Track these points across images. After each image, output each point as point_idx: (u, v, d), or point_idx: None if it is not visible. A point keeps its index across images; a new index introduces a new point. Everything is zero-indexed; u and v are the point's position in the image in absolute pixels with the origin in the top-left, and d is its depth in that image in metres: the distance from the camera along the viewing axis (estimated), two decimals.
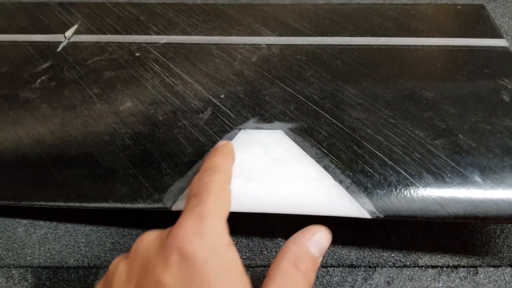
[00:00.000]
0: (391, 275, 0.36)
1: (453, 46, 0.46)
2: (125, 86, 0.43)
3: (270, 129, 0.39)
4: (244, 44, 0.47)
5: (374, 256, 0.37)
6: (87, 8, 0.54)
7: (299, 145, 0.37)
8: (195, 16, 0.52)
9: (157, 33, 0.50)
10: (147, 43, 0.48)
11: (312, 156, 0.36)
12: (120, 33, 0.50)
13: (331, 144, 0.37)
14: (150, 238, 0.28)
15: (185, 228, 0.26)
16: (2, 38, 0.50)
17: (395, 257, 0.37)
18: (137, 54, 0.47)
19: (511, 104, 0.40)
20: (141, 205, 0.35)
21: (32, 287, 0.36)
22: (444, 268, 0.37)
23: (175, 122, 0.40)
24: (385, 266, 0.37)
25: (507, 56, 0.45)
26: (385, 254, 0.37)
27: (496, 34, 0.48)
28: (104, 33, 0.50)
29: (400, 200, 0.34)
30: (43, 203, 0.36)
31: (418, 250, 0.38)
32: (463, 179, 0.34)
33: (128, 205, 0.35)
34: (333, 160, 0.36)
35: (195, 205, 0.27)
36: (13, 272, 0.37)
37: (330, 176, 0.35)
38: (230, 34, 0.49)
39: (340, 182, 0.35)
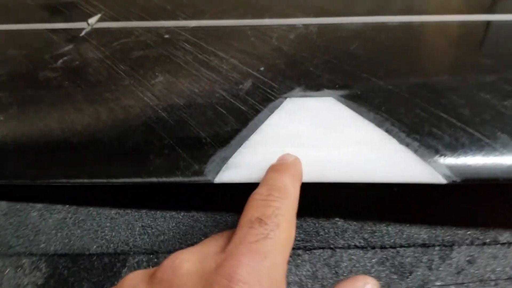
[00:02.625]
0: (471, 254, 0.31)
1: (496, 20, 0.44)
2: (155, 63, 0.40)
3: (319, 96, 0.35)
4: (279, 25, 0.45)
5: (448, 234, 0.32)
6: (110, 1, 0.52)
7: (355, 110, 0.33)
8: (223, 4, 0.50)
9: (185, 19, 0.47)
10: (176, 27, 0.46)
11: (371, 121, 0.32)
12: (146, 20, 0.47)
13: (391, 108, 0.33)
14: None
15: (246, 266, 0.20)
16: (23, 27, 0.47)
17: (472, 234, 0.32)
18: (166, 36, 0.44)
19: None
20: (178, 179, 0.31)
21: (46, 277, 0.31)
22: None
23: (212, 94, 0.36)
24: (463, 245, 0.32)
25: None
26: (459, 232, 0.32)
27: None
28: (130, 20, 0.47)
29: (477, 162, 0.29)
30: (63, 180, 0.32)
31: (496, 227, 0.33)
32: None
33: (163, 179, 0.31)
34: (395, 124, 0.32)
35: (261, 238, 0.22)
36: (24, 261, 0.32)
37: (395, 140, 0.31)
38: (263, 17, 0.46)
39: (407, 145, 0.30)
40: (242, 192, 0.25)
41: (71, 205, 0.34)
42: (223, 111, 0.34)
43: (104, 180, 0.31)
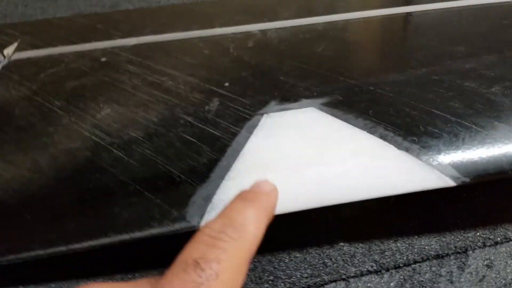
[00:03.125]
0: (487, 257, 0.29)
1: (459, 6, 0.43)
2: (97, 93, 0.34)
3: (299, 108, 0.31)
4: (233, 33, 0.40)
5: (458, 239, 0.30)
6: (27, 26, 0.44)
7: (340, 118, 0.30)
8: (164, 17, 0.44)
9: (122, 37, 0.41)
10: (113, 48, 0.39)
11: (362, 128, 0.29)
12: (75, 43, 0.40)
13: (379, 111, 0.30)
14: None
15: None
16: None
17: (482, 235, 0.30)
18: (104, 60, 0.38)
19: None
20: (155, 230, 0.25)
21: None
22: None
23: (175, 121, 0.31)
24: (476, 248, 0.29)
25: None
26: (469, 234, 0.30)
27: None
28: (55, 46, 0.40)
29: (482, 157, 0.27)
30: (11, 257, 0.25)
31: (502, 222, 0.31)
32: None
33: (137, 234, 0.25)
34: (389, 128, 0.29)
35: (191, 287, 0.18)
36: None
37: (392, 146, 0.28)
38: (212, 27, 0.41)
39: (407, 150, 0.27)
40: None
41: (25, 284, 0.27)
42: (193, 140, 0.29)
43: (63, 249, 0.25)
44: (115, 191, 0.27)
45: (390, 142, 0.28)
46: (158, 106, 0.32)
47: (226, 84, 0.33)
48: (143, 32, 0.41)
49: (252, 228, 0.21)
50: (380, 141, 0.28)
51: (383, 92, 0.32)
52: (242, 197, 0.24)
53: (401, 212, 0.32)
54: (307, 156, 0.27)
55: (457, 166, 0.26)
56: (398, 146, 0.27)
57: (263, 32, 0.40)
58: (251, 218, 0.22)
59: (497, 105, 0.30)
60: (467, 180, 0.26)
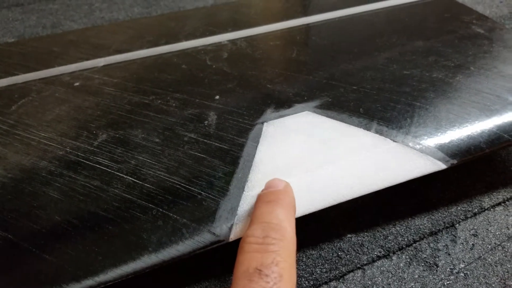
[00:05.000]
0: (471, 227, 0.33)
1: (403, 3, 0.47)
2: (84, 119, 0.32)
3: (295, 113, 0.32)
4: (203, 45, 0.40)
5: (445, 215, 0.34)
6: None
7: (335, 119, 0.32)
8: (122, 33, 0.43)
9: (87, 59, 0.39)
10: (81, 70, 0.37)
11: (357, 125, 0.31)
12: (39, 69, 0.38)
13: (368, 108, 0.33)
14: None
15: None
16: None
17: (462, 209, 0.34)
18: (77, 84, 0.36)
19: (485, 33, 0.41)
20: (186, 249, 0.25)
21: None
22: (508, 201, 0.35)
23: (179, 139, 0.30)
24: (460, 221, 0.33)
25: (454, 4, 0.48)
26: (452, 210, 0.34)
27: None
28: (15, 75, 0.37)
29: (463, 139, 0.31)
30: None
31: (475, 195, 0.35)
32: (506, 103, 0.33)
33: (167, 255, 0.25)
34: (381, 123, 0.31)
35: None
36: None
37: (388, 139, 0.30)
38: (179, 41, 0.41)
39: (402, 142, 0.30)
40: None
41: None
42: (204, 156, 0.29)
43: (93, 283, 0.24)
44: (138, 217, 0.26)
45: (385, 135, 0.30)
46: (157, 127, 0.31)
47: (217, 97, 0.34)
48: (108, 52, 0.40)
49: (288, 226, 0.22)
50: (377, 136, 0.30)
51: (366, 90, 0.34)
52: (265, 200, 0.25)
53: (393, 198, 0.34)
54: (316, 158, 0.29)
55: (445, 151, 0.30)
56: (393, 139, 0.30)
57: (233, 42, 0.41)
58: (283, 217, 0.23)
59: (466, 90, 0.34)
60: (455, 161, 0.30)
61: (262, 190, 0.26)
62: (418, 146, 0.30)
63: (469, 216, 0.34)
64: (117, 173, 0.28)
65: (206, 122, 0.32)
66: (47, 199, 0.27)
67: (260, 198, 0.25)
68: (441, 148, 0.30)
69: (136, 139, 0.30)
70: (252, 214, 0.25)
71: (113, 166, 0.29)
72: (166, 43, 0.41)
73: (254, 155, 0.29)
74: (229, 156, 0.29)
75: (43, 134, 0.31)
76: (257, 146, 0.30)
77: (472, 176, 0.37)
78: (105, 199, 0.27)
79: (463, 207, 0.34)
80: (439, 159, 0.30)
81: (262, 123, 0.31)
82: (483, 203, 0.35)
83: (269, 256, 0.20)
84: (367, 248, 0.31)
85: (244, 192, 0.27)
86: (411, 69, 0.36)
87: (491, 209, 0.34)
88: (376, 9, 0.46)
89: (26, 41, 0.41)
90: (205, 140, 0.30)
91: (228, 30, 0.43)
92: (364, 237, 0.32)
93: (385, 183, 0.29)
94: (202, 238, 0.25)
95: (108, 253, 0.25)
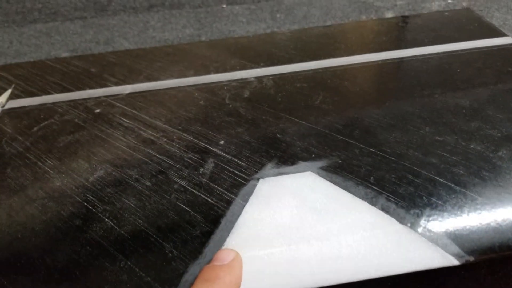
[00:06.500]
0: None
1: (462, 50, 0.42)
2: (90, 151, 0.33)
3: (296, 172, 0.30)
4: (229, 81, 0.39)
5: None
6: (20, 68, 0.44)
7: (339, 186, 0.29)
8: (158, 59, 0.44)
9: (117, 84, 0.40)
10: (106, 96, 0.38)
11: (361, 197, 0.28)
12: (70, 90, 0.39)
13: (380, 178, 0.29)
14: None
15: None
16: None
17: None
18: (97, 111, 0.37)
19: None
20: None
21: None
22: None
23: (169, 185, 0.30)
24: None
25: None
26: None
27: (497, 33, 0.44)
28: (49, 93, 0.39)
29: (488, 232, 0.26)
30: None
31: None
32: None
33: None
34: (391, 198, 0.28)
35: None
36: None
37: (394, 220, 0.26)
38: (207, 73, 0.41)
39: (409, 225, 0.26)
40: None
41: None
42: (187, 209, 0.28)
43: None
44: (105, 266, 0.26)
45: (392, 215, 0.27)
46: (151, 168, 0.31)
47: (222, 142, 0.33)
48: (137, 78, 0.40)
49: None
50: (382, 213, 0.27)
51: (385, 155, 0.30)
52: (204, 277, 0.23)
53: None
54: (304, 230, 0.26)
55: (461, 244, 0.25)
56: (400, 220, 0.26)
57: (259, 79, 0.39)
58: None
59: (504, 172, 0.29)
60: (472, 258, 0.25)
61: (209, 262, 0.24)
62: (428, 234, 0.26)
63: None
64: (100, 215, 0.28)
65: (202, 169, 0.30)
66: (28, 232, 0.28)
67: (200, 275, 0.24)
68: (456, 239, 0.25)
69: (129, 180, 0.30)
70: None
71: (98, 206, 0.29)
72: (194, 74, 0.40)
73: (238, 216, 0.27)
74: (213, 212, 0.28)
75: (48, 162, 0.32)
76: (244, 206, 0.28)
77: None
78: (81, 241, 0.27)
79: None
80: (452, 253, 0.25)
81: (258, 179, 0.29)
82: None
83: None
84: None
85: None
86: (445, 135, 0.32)
87: None
88: (426, 54, 0.41)
89: (69, 60, 0.43)
90: (194, 191, 0.29)
91: (259, 65, 0.41)
92: None
93: (379, 272, 0.25)
94: None
95: None
